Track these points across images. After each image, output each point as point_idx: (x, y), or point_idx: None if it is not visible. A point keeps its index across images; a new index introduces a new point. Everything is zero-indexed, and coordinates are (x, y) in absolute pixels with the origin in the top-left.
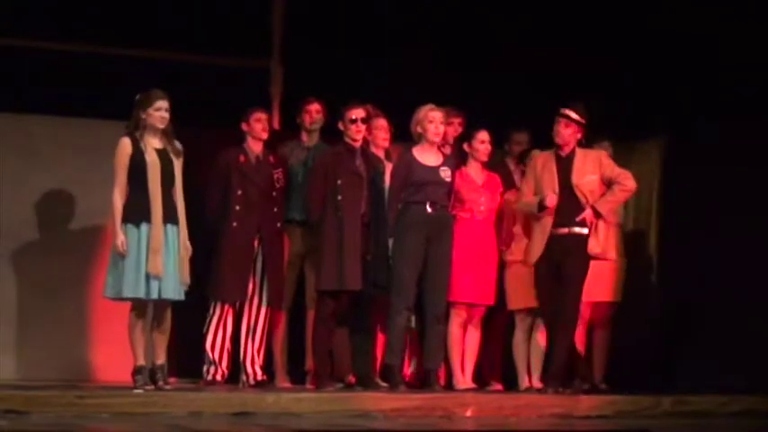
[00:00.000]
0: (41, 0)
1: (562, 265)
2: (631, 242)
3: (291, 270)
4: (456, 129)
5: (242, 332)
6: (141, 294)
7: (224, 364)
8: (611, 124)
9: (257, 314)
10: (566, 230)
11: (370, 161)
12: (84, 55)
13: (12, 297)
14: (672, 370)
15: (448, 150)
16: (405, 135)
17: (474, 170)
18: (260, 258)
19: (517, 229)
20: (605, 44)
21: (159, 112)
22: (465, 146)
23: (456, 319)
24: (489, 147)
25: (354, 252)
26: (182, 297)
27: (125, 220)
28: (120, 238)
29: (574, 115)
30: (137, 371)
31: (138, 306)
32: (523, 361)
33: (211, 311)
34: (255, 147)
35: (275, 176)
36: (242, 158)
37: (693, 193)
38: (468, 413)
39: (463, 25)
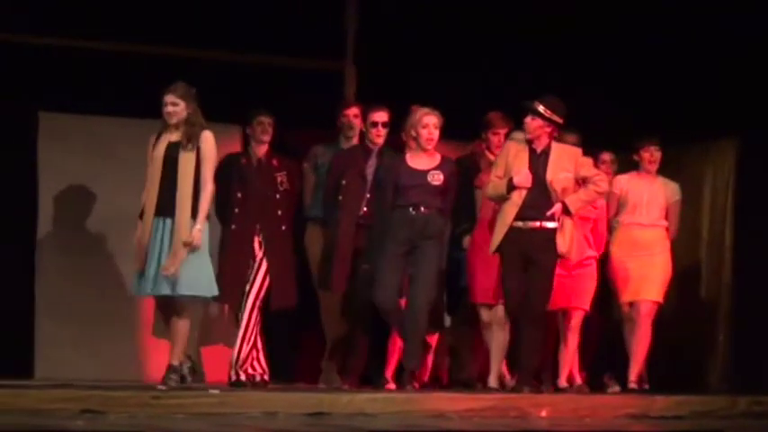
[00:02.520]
0: (112, 2)
1: (532, 261)
2: (707, 243)
3: (316, 269)
4: (500, 139)
5: (239, 333)
6: (135, 291)
7: (242, 369)
8: (689, 123)
9: (250, 316)
10: (537, 224)
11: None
12: (155, 57)
13: (86, 297)
14: (750, 371)
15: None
16: (473, 136)
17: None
18: (263, 261)
19: None
20: (676, 43)
21: (165, 107)
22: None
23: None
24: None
25: (343, 254)
26: (192, 292)
27: (154, 213)
28: (139, 232)
29: (540, 108)
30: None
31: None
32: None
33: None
34: (258, 150)
35: (278, 180)
36: (243, 161)
37: None
38: (544, 413)
39: (529, 26)
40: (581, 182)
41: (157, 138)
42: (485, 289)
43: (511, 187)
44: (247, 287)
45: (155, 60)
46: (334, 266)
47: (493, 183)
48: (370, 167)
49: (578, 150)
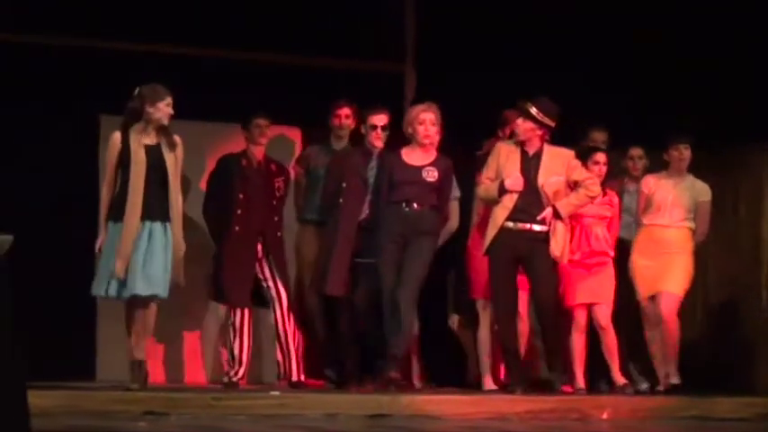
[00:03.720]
0: (181, 6)
1: (529, 266)
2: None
3: (306, 271)
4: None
5: (230, 331)
6: (113, 293)
7: (244, 366)
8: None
9: (242, 316)
10: (528, 226)
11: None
12: (219, 60)
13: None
14: None
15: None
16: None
17: None
18: (266, 262)
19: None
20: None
21: (169, 107)
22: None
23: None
24: None
25: (342, 257)
26: (164, 294)
27: (110, 217)
28: (102, 236)
29: (532, 111)
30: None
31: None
32: (581, 360)
33: (232, 315)
34: (257, 152)
35: (276, 185)
36: (243, 162)
37: None
38: (605, 415)
39: (586, 27)
40: (572, 185)
41: (124, 138)
42: (486, 285)
43: (502, 190)
44: (271, 295)
45: (213, 63)
46: (332, 269)
47: (484, 185)
48: (371, 170)
49: (570, 153)
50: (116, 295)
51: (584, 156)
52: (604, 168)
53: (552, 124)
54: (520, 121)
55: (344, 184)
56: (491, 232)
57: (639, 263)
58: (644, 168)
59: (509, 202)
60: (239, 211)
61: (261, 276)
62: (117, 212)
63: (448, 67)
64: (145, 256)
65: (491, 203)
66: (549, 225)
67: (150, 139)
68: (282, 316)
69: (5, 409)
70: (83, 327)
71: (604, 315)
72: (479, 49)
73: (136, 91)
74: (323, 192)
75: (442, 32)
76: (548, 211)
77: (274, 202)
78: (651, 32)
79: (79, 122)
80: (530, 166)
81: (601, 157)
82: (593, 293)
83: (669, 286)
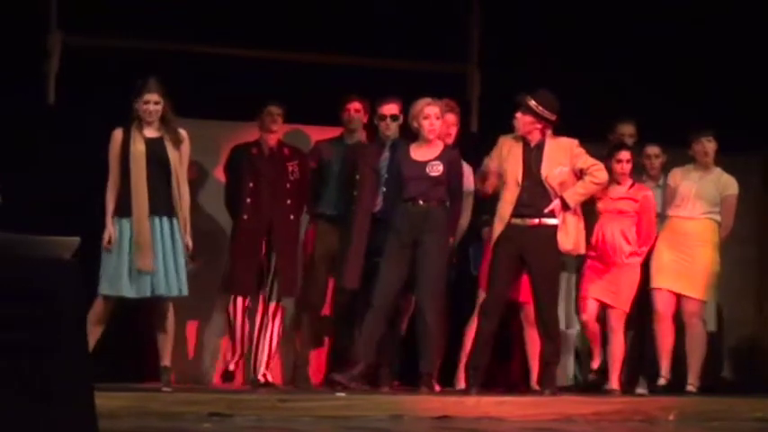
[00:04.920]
0: (234, 8)
1: (533, 262)
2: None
3: (320, 266)
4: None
5: (255, 329)
6: (124, 292)
7: (234, 360)
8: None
9: (269, 311)
10: (536, 221)
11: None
12: (277, 62)
13: (209, 300)
14: None
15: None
16: (598, 138)
17: None
18: (272, 252)
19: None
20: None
21: (147, 105)
22: None
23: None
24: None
25: (357, 250)
26: (183, 293)
27: (115, 213)
28: (108, 231)
29: (531, 104)
30: None
31: (104, 303)
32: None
33: (230, 306)
34: (269, 139)
35: (290, 169)
36: (254, 151)
37: None
38: (671, 417)
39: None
40: (579, 174)
41: (125, 134)
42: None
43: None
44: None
45: (268, 64)
46: (347, 262)
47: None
48: (384, 161)
49: (573, 142)
50: (136, 295)
51: (608, 153)
52: (628, 166)
53: (552, 117)
54: (519, 114)
55: (358, 176)
56: (498, 228)
57: (662, 254)
58: (660, 167)
59: (512, 196)
60: (248, 200)
61: (264, 268)
62: (123, 208)
63: (512, 67)
64: (163, 254)
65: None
66: (559, 217)
67: (152, 133)
68: (262, 311)
69: (75, 410)
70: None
71: (618, 318)
72: (543, 48)
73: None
74: (338, 184)
75: (506, 32)
76: (555, 204)
77: (288, 186)
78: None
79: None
80: (532, 158)
81: (624, 155)
82: (609, 294)
83: (692, 291)
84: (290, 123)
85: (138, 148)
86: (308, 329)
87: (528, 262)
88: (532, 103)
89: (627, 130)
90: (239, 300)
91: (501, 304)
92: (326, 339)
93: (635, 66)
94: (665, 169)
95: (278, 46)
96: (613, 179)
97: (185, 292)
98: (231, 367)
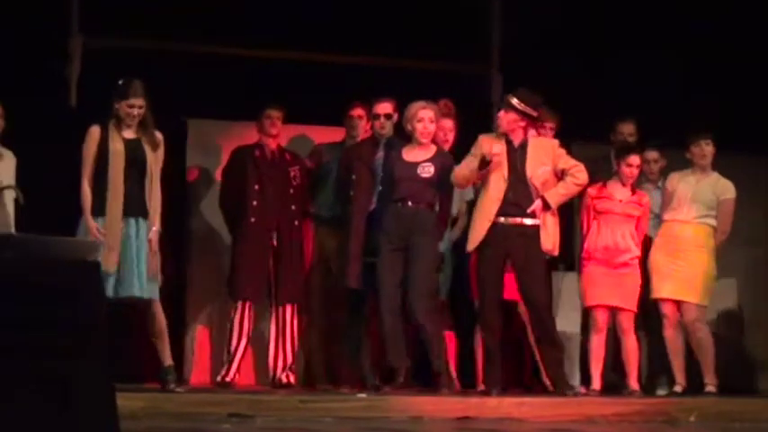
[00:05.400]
0: (270, 10)
1: (519, 264)
2: None
3: (318, 268)
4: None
5: (270, 334)
6: (108, 293)
7: (235, 365)
8: None
9: (284, 315)
10: (519, 220)
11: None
12: (304, 63)
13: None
14: None
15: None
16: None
17: None
18: (279, 256)
19: (593, 223)
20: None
21: (132, 109)
22: None
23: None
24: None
25: (354, 250)
26: (153, 296)
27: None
28: (93, 226)
29: (513, 101)
30: None
31: None
32: (598, 361)
33: (232, 311)
34: (270, 143)
35: (291, 174)
36: (257, 153)
37: None
38: (692, 418)
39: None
40: (559, 174)
41: (102, 132)
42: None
43: (485, 163)
44: (271, 284)
45: (307, 67)
46: (348, 263)
47: (462, 163)
48: (379, 160)
49: (555, 142)
50: (112, 294)
51: (617, 154)
52: (636, 171)
53: (534, 114)
54: (502, 113)
55: (354, 176)
56: (482, 226)
57: (658, 259)
58: (660, 171)
59: (498, 193)
60: (255, 203)
61: (269, 271)
62: (98, 207)
63: (533, 69)
64: (137, 255)
65: (468, 180)
66: (540, 218)
67: (130, 134)
68: (275, 315)
69: (96, 412)
70: (171, 331)
71: (628, 319)
72: (564, 51)
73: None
74: (335, 184)
75: (527, 33)
76: (537, 204)
77: (291, 191)
78: None
79: (167, 126)
80: (516, 157)
81: (635, 159)
82: (618, 297)
83: (691, 296)
84: (306, 125)
85: (117, 148)
86: (311, 331)
87: (517, 265)
88: (515, 101)
89: (627, 129)
90: (246, 305)
91: (497, 309)
92: (327, 340)
93: (660, 66)
94: (664, 173)
95: (302, 47)
96: (618, 180)
97: (156, 295)
98: (228, 378)
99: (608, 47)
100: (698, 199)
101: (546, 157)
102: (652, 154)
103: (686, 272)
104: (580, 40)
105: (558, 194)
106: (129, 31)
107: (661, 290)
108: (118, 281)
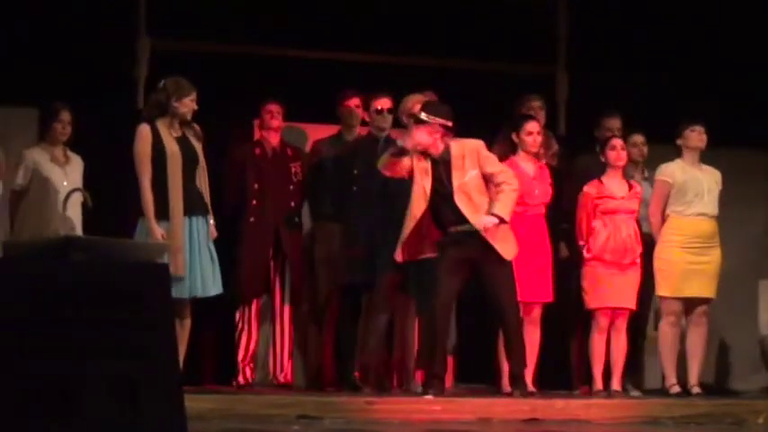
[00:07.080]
0: (304, 9)
1: (484, 272)
2: None
3: (321, 265)
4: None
5: (270, 333)
6: (180, 293)
7: (249, 367)
8: None
9: (282, 314)
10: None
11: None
12: (356, 64)
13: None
14: None
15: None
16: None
17: (524, 161)
18: (280, 254)
19: (597, 223)
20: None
21: (193, 102)
22: (513, 136)
23: None
24: (539, 137)
25: (356, 245)
26: (219, 290)
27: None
28: (158, 232)
29: (423, 116)
30: None
31: None
32: (600, 362)
33: (237, 314)
34: (272, 139)
35: (293, 170)
36: (257, 151)
37: None
38: (761, 420)
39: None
40: (488, 177)
41: (153, 130)
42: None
43: (401, 153)
44: (275, 283)
45: (361, 67)
46: (349, 258)
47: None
48: (379, 155)
49: (478, 143)
50: (188, 295)
51: (600, 147)
52: (623, 153)
53: (449, 124)
54: (414, 130)
55: (356, 172)
56: (408, 224)
57: (678, 257)
58: (645, 156)
59: (438, 211)
60: (254, 202)
61: (271, 271)
62: (160, 210)
63: (599, 70)
64: (204, 253)
65: (388, 170)
66: (492, 232)
67: (177, 131)
68: (273, 314)
69: (164, 413)
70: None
71: (624, 317)
72: (630, 50)
73: (161, 84)
74: (336, 181)
75: (593, 34)
76: (490, 222)
77: (291, 187)
78: None
79: (235, 126)
80: (442, 170)
81: (618, 142)
82: (622, 297)
83: (707, 292)
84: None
85: (173, 149)
86: (311, 329)
87: (478, 270)
88: (424, 115)
89: (613, 124)
90: (249, 305)
91: (449, 308)
92: (329, 339)
93: (724, 66)
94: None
95: (358, 48)
96: (607, 166)
97: (220, 289)
98: (241, 380)
99: (676, 46)
100: (712, 191)
101: (472, 161)
102: (638, 137)
103: (705, 268)
104: (646, 39)
105: (507, 207)
106: (196, 33)
107: (683, 289)
108: (192, 282)
